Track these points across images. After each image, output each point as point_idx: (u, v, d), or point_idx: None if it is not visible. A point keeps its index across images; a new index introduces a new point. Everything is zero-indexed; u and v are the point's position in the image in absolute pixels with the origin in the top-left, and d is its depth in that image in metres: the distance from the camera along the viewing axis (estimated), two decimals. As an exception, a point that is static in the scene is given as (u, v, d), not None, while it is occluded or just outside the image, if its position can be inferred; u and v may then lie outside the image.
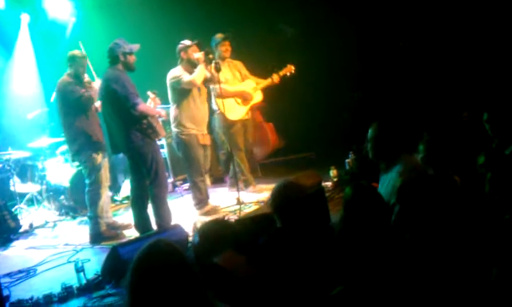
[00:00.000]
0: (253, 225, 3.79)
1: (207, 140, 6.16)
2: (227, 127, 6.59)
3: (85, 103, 5.63)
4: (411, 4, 7.41)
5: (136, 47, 5.33)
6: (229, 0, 8.15)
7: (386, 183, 3.59)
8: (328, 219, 4.57)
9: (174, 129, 6.06)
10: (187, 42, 5.96)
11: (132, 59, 5.30)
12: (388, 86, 7.77)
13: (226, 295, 2.43)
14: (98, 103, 5.72)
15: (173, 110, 6.04)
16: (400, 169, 3.46)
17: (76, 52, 5.83)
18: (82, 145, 5.67)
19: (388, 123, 3.63)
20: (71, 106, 5.66)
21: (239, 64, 6.84)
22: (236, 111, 6.68)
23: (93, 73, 6.00)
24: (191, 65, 5.95)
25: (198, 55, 5.91)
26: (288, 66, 6.86)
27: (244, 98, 6.72)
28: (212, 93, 6.57)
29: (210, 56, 6.11)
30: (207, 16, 7.95)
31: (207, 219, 5.18)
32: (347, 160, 6.65)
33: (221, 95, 6.39)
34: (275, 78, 6.80)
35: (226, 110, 6.39)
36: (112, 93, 5.15)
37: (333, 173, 6.51)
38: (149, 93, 5.69)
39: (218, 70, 6.09)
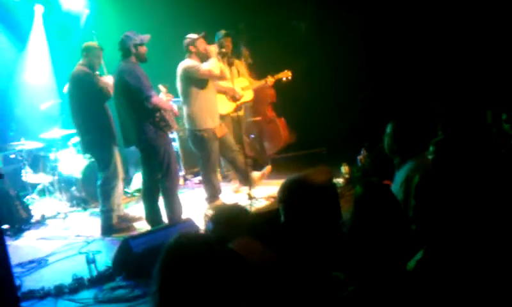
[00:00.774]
0: (269, 215, 3.74)
1: (223, 131, 6.10)
2: None
3: (106, 95, 5.57)
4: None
5: (146, 37, 5.31)
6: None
7: (398, 180, 3.57)
8: (339, 216, 4.55)
9: (188, 125, 5.92)
10: (193, 35, 5.88)
11: (143, 50, 5.28)
12: (401, 81, 7.72)
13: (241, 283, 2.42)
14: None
15: (185, 106, 5.89)
16: (413, 167, 3.44)
17: (93, 43, 5.81)
18: (97, 137, 5.63)
19: (407, 120, 3.61)
20: (89, 97, 5.57)
21: (238, 63, 6.89)
22: (225, 106, 6.58)
23: (104, 67, 5.97)
24: (200, 58, 5.84)
25: (211, 47, 5.84)
26: (286, 71, 6.95)
27: (232, 95, 6.56)
28: None
29: (223, 50, 6.08)
30: (219, 11, 7.92)
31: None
32: (358, 157, 6.56)
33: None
34: (269, 80, 6.92)
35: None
36: (126, 85, 5.14)
37: (344, 169, 6.48)
38: (160, 86, 5.63)
39: (231, 64, 6.06)
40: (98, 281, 4.20)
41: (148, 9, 8.18)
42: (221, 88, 6.47)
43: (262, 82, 6.91)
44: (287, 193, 2.93)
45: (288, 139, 7.94)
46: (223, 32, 6.65)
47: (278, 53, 7.63)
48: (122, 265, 4.22)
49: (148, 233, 4.59)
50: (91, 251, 4.91)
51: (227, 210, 2.89)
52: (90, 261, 4.30)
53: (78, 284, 4.14)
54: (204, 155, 5.96)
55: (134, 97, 5.11)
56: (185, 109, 5.93)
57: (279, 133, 7.78)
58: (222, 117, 6.44)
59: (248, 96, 6.89)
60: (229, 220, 2.80)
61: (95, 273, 4.25)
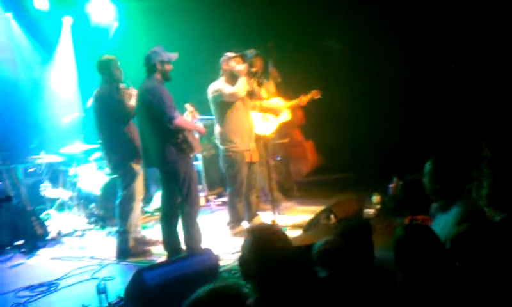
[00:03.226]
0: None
1: (254, 157, 5.86)
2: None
3: (126, 113, 5.41)
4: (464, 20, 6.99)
5: (174, 56, 5.07)
6: (276, 13, 7.89)
7: (443, 225, 3.21)
8: (371, 254, 4.21)
9: (220, 146, 5.78)
10: (230, 54, 5.69)
11: (169, 68, 5.05)
12: (437, 107, 7.34)
13: None
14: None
15: (217, 126, 5.76)
16: (460, 213, 3.09)
17: (107, 56, 5.59)
18: (124, 156, 5.43)
19: (449, 156, 3.26)
20: (109, 116, 5.42)
21: (267, 82, 6.66)
22: (263, 127, 6.39)
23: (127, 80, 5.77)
24: (233, 78, 5.66)
25: (240, 67, 5.63)
26: (314, 91, 6.74)
27: (274, 115, 6.49)
28: None
29: (253, 70, 5.84)
30: (252, 29, 7.72)
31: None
32: (390, 185, 6.24)
33: (255, 108, 6.18)
34: (303, 99, 6.70)
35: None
36: (149, 105, 4.90)
37: (376, 199, 6.11)
38: (187, 105, 5.41)
39: (260, 84, 5.81)
40: (108, 313, 3.92)
41: (178, 25, 8.05)
42: (262, 108, 6.31)
43: (296, 101, 6.69)
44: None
45: (316, 162, 7.63)
46: (253, 51, 6.40)
47: (309, 73, 7.36)
48: (134, 298, 3.93)
49: (164, 264, 4.29)
50: (104, 277, 4.67)
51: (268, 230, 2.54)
52: (101, 291, 4.02)
53: (86, 317, 3.88)
54: (231, 176, 5.77)
55: (156, 117, 4.86)
56: (216, 128, 5.80)
57: (306, 157, 7.50)
58: (258, 138, 6.23)
59: (287, 116, 6.68)
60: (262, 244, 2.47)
61: (105, 305, 3.97)
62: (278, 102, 6.61)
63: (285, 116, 6.68)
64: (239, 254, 2.47)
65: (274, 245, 2.37)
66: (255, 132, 5.91)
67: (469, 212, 3.06)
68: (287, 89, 7.01)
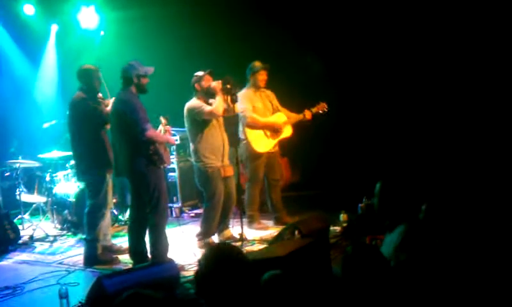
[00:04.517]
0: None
1: (229, 171, 5.95)
2: (251, 158, 6.44)
3: (100, 123, 5.48)
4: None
5: (150, 70, 5.21)
6: (254, 30, 8.04)
7: (388, 243, 3.37)
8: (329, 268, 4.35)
9: (195, 162, 5.87)
10: (200, 73, 5.82)
11: (145, 81, 5.17)
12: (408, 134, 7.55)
13: None
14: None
15: (192, 143, 5.86)
16: (403, 231, 3.24)
17: (88, 66, 5.69)
18: (89, 164, 5.49)
19: (393, 183, 3.42)
20: (82, 123, 5.49)
21: (271, 95, 6.66)
22: (264, 143, 6.48)
23: (107, 90, 5.87)
24: (207, 95, 5.80)
25: (215, 84, 5.76)
26: (322, 103, 6.65)
27: (274, 130, 6.52)
28: (241, 122, 6.43)
29: (228, 86, 5.97)
30: (229, 47, 7.87)
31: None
32: (360, 205, 6.40)
33: (251, 125, 6.28)
34: (307, 114, 6.59)
35: (253, 141, 6.30)
36: (122, 115, 5.03)
37: (343, 217, 6.28)
38: (161, 118, 5.53)
39: (234, 101, 5.94)
40: (67, 318, 4.01)
41: (157, 39, 8.20)
42: (260, 125, 6.40)
43: (300, 116, 6.59)
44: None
45: (289, 179, 7.77)
46: (258, 65, 6.43)
47: (290, 91, 7.48)
48: (94, 304, 4.02)
49: (126, 272, 4.39)
50: (68, 283, 4.77)
51: (220, 250, 2.59)
52: (63, 296, 4.10)
53: (46, 320, 3.96)
54: (208, 191, 5.85)
55: (129, 128, 4.99)
56: (191, 145, 5.90)
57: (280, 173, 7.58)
58: (260, 155, 6.38)
59: (288, 131, 6.62)
60: (220, 261, 2.55)
61: (65, 309, 4.06)
62: (281, 117, 6.56)
63: (286, 132, 6.61)
64: (196, 269, 2.54)
65: (232, 261, 2.43)
66: (228, 148, 6.00)
67: (410, 233, 3.20)
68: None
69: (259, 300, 2.52)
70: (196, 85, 5.81)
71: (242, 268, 2.41)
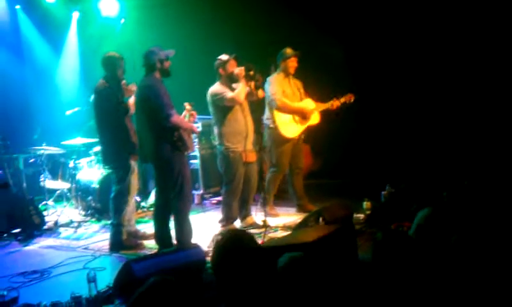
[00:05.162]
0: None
1: (251, 157, 5.94)
2: (277, 144, 6.42)
3: (122, 111, 5.51)
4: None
5: (171, 52, 5.20)
6: (275, 15, 7.98)
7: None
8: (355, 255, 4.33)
9: (218, 145, 5.88)
10: (224, 57, 5.81)
11: (167, 64, 5.17)
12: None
13: None
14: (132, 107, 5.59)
15: (216, 126, 5.88)
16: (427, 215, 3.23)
17: (112, 53, 5.70)
18: (116, 151, 5.54)
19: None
20: (106, 112, 5.54)
21: (299, 83, 6.65)
22: (292, 129, 6.46)
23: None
24: (230, 80, 5.80)
25: (237, 70, 5.75)
26: (349, 94, 6.64)
27: (303, 116, 6.52)
28: (269, 106, 6.42)
29: (251, 72, 5.94)
30: (251, 31, 7.82)
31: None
32: (383, 192, 6.36)
33: (281, 109, 6.26)
34: (335, 103, 6.59)
35: (281, 126, 6.27)
36: (147, 101, 5.04)
37: (366, 205, 6.23)
38: (186, 104, 5.53)
39: (258, 87, 5.92)
40: (96, 301, 4.03)
41: (181, 24, 8.16)
42: (290, 109, 6.39)
43: (328, 105, 6.58)
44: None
45: (311, 166, 7.72)
46: (290, 51, 6.39)
47: (313, 80, 7.43)
48: (122, 288, 4.06)
49: (153, 256, 4.43)
50: (95, 267, 4.81)
51: (230, 237, 2.57)
52: (91, 280, 4.14)
53: (75, 304, 3.99)
54: (228, 175, 5.86)
55: (154, 114, 5.00)
56: (215, 128, 5.90)
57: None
58: (286, 140, 6.35)
59: (316, 119, 6.62)
60: (230, 248, 2.53)
61: (94, 293, 4.10)
62: (309, 103, 6.56)
63: (314, 119, 6.60)
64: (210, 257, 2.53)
65: (243, 248, 2.39)
66: (252, 133, 5.99)
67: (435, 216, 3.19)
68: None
69: (277, 285, 2.51)
70: (220, 69, 5.79)
71: (253, 254, 2.39)
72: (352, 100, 6.63)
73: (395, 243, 2.77)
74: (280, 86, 6.40)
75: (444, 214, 3.19)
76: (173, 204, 5.15)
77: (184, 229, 5.13)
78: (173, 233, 5.25)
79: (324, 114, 6.70)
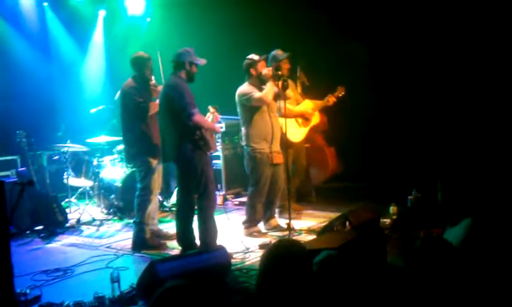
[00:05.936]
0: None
1: (279, 159, 5.87)
2: (285, 148, 6.33)
3: (141, 112, 5.49)
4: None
5: (203, 61, 5.21)
6: (300, 16, 7.89)
7: (452, 238, 3.20)
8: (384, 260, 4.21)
9: (245, 146, 5.84)
10: (254, 57, 5.75)
11: (195, 70, 5.17)
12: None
13: None
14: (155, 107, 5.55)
15: (243, 127, 5.83)
16: (470, 224, 3.08)
17: (141, 53, 5.69)
18: (140, 149, 5.52)
19: (457, 173, 3.25)
20: (130, 111, 5.54)
21: (292, 84, 6.62)
22: (296, 132, 6.53)
23: (162, 76, 5.84)
24: (260, 81, 5.74)
25: (266, 71, 5.72)
26: (339, 88, 6.67)
27: (305, 119, 6.60)
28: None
29: (280, 73, 5.87)
30: (276, 32, 7.73)
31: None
32: (409, 197, 6.21)
33: (285, 114, 6.18)
34: (331, 99, 6.62)
35: (287, 131, 6.18)
36: (170, 99, 5.01)
37: (393, 209, 6.08)
38: (209, 107, 5.48)
39: (285, 87, 5.83)
40: (119, 302, 3.99)
41: (207, 26, 8.11)
42: (293, 114, 6.41)
43: (324, 102, 6.62)
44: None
45: (337, 169, 7.61)
46: (281, 53, 6.34)
47: (335, 77, 7.31)
48: (146, 289, 3.99)
49: (178, 257, 4.37)
50: (118, 267, 4.75)
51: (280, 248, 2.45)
52: (115, 280, 4.10)
53: (98, 304, 3.95)
54: (254, 176, 5.79)
55: (176, 112, 4.96)
56: (242, 129, 5.87)
57: (327, 162, 7.46)
58: (292, 145, 6.38)
59: (316, 118, 6.70)
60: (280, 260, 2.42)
61: (117, 293, 4.05)
62: (309, 104, 6.60)
63: (315, 119, 6.69)
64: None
65: (295, 259, 2.32)
66: (279, 134, 5.91)
67: (477, 226, 3.04)
68: (314, 93, 6.98)
69: (313, 284, 2.42)
70: (251, 69, 5.73)
71: (303, 264, 2.26)
72: (343, 93, 6.65)
73: (438, 252, 2.65)
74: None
75: (487, 225, 3.07)
76: (198, 204, 5.08)
77: (208, 229, 5.06)
78: (196, 233, 5.18)
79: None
